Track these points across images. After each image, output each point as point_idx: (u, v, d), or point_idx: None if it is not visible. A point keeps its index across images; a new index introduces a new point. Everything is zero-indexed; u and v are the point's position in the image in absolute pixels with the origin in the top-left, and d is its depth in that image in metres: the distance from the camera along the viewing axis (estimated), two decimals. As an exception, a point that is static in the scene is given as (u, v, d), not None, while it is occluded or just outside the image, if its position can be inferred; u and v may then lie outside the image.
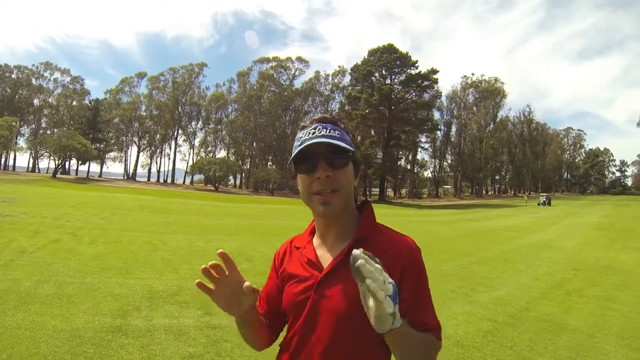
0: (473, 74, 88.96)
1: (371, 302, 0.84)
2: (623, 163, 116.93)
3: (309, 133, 1.14)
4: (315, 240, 1.23)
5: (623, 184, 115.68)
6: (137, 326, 4.37)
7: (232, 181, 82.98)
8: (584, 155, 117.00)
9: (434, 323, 1.09)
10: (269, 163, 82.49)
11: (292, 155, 1.14)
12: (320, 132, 1.12)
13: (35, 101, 79.88)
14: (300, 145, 1.12)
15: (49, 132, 77.13)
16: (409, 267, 1.09)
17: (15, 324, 4.13)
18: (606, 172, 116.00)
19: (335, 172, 1.10)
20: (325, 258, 1.16)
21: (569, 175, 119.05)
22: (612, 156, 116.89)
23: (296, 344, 1.14)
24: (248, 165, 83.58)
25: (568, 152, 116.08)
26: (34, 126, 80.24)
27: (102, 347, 3.78)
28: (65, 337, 3.92)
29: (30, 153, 75.89)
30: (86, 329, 4.17)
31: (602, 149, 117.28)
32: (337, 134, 1.14)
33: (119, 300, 5.21)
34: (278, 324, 1.27)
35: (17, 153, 76.61)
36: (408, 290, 1.06)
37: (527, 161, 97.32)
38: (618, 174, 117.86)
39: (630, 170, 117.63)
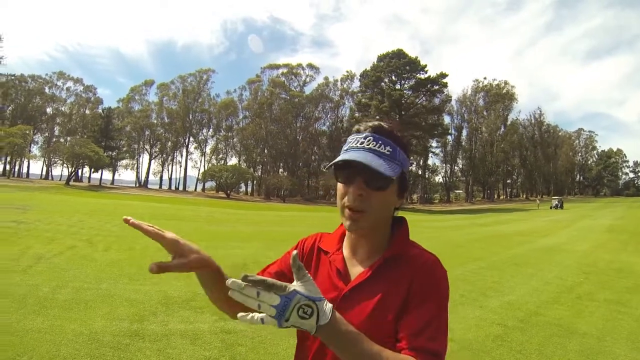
0: (485, 78, 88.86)
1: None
2: (636, 164, 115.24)
3: (358, 141, 1.06)
4: (345, 251, 1.17)
5: (637, 185, 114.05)
6: (153, 331, 4.48)
7: (243, 188, 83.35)
8: (596, 156, 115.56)
9: (422, 345, 0.92)
10: (281, 170, 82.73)
11: (335, 160, 1.05)
12: (368, 144, 1.04)
13: (49, 110, 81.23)
14: (345, 150, 1.07)
15: (62, 140, 78.21)
16: (416, 279, 1.01)
17: (36, 328, 4.25)
18: (619, 174, 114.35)
19: (371, 192, 1.02)
20: (354, 272, 1.10)
21: (581, 178, 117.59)
22: (625, 157, 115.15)
23: (315, 352, 1.08)
24: (259, 172, 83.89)
25: (580, 154, 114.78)
26: (47, 134, 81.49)
27: (121, 350, 3.90)
28: (84, 341, 4.03)
29: (44, 161, 77.09)
30: (104, 333, 4.29)
31: (614, 150, 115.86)
32: (388, 151, 1.04)
33: (136, 305, 5.33)
34: None
35: (30, 161, 77.90)
36: (412, 303, 0.98)
37: (538, 164, 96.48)
38: (632, 175, 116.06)
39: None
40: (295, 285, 0.81)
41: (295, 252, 0.84)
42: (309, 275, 0.84)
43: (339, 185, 1.08)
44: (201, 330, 4.64)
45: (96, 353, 3.79)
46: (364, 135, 1.06)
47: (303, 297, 0.79)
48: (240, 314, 0.81)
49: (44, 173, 79.33)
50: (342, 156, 1.04)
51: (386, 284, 1.04)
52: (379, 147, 1.03)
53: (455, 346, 4.50)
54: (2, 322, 4.35)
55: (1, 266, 6.86)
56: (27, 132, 61.58)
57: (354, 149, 1.05)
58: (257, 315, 0.78)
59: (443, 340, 0.96)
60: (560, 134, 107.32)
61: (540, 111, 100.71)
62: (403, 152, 1.08)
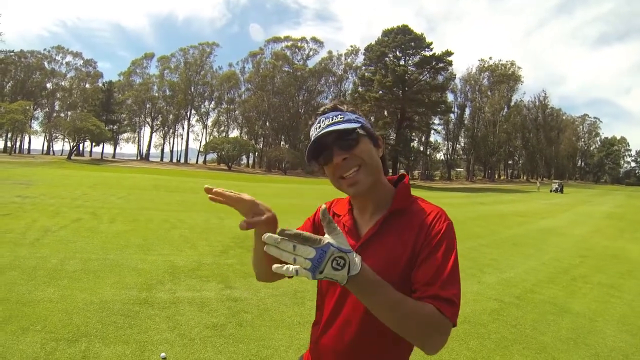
0: (491, 58, 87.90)
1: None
2: (639, 153, 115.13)
3: (316, 128, 1.19)
4: (355, 211, 1.29)
5: (638, 174, 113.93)
6: (162, 298, 4.63)
7: (244, 160, 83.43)
8: (599, 143, 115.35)
9: (437, 293, 1.01)
10: (282, 142, 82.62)
11: (306, 152, 1.20)
12: (324, 124, 1.17)
13: (48, 85, 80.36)
14: (311, 141, 1.19)
15: (62, 115, 77.78)
16: (422, 231, 1.12)
17: (47, 298, 4.36)
18: (621, 162, 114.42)
19: (350, 152, 1.15)
20: (363, 230, 1.23)
21: (583, 163, 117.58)
22: (628, 146, 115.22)
23: (331, 310, 1.22)
24: (261, 144, 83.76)
25: (583, 139, 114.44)
26: (47, 109, 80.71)
27: (131, 317, 4.04)
28: (95, 309, 4.16)
29: (45, 136, 76.80)
30: (114, 301, 4.43)
31: (618, 137, 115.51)
32: (341, 118, 1.17)
33: (143, 275, 5.48)
34: None
35: (31, 136, 77.67)
36: (422, 253, 1.09)
37: (540, 147, 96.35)
38: (633, 164, 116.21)
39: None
40: (328, 238, 0.86)
41: (324, 206, 0.92)
42: (338, 228, 0.88)
43: (326, 169, 1.21)
44: (208, 298, 4.80)
45: (107, 320, 3.92)
46: (317, 121, 1.21)
47: (336, 249, 0.84)
48: (275, 265, 0.83)
49: (45, 148, 79.18)
50: (310, 144, 1.19)
51: (393, 236, 1.15)
52: (332, 120, 1.17)
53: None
54: (15, 293, 4.48)
55: (9, 239, 6.97)
56: (28, 107, 61.33)
57: (315, 135, 1.18)
58: (292, 266, 0.82)
59: (455, 286, 1.05)
60: (564, 118, 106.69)
61: (545, 94, 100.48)
62: (352, 113, 1.22)
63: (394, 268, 1.10)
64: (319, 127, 1.18)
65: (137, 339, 3.61)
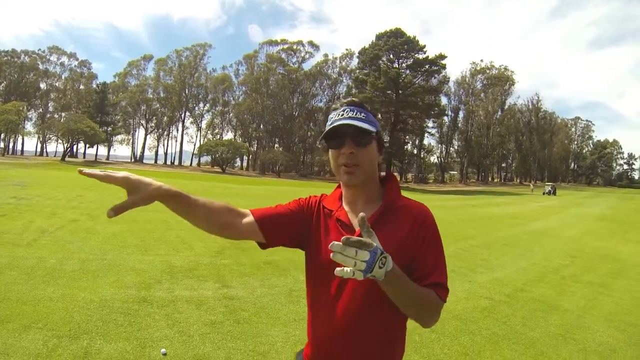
0: (482, 61, 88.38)
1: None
2: (631, 156, 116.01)
3: (339, 114, 1.28)
4: (346, 207, 1.36)
5: (630, 177, 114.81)
6: (160, 297, 4.72)
7: (238, 163, 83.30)
8: (591, 146, 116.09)
9: (436, 280, 1.21)
10: (276, 145, 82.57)
11: (324, 132, 1.28)
12: (348, 114, 1.26)
13: (42, 85, 79.66)
14: (331, 124, 1.27)
15: (56, 116, 77.29)
16: (415, 225, 1.26)
17: (47, 296, 4.42)
18: (613, 165, 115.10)
19: (359, 149, 1.25)
20: (356, 223, 1.26)
21: (575, 166, 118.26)
22: (621, 148, 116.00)
23: (330, 300, 1.28)
24: (255, 147, 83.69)
25: (576, 142, 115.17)
26: (41, 110, 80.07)
27: (131, 315, 4.12)
28: (95, 307, 4.23)
29: (38, 137, 76.16)
30: (114, 300, 4.50)
31: (610, 140, 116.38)
32: (363, 116, 1.27)
33: (141, 274, 5.55)
34: (272, 236, 1.35)
35: (25, 137, 77.02)
36: (420, 249, 1.24)
37: (533, 150, 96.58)
38: (625, 166, 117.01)
39: (638, 164, 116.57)
40: (373, 241, 0.99)
41: (363, 214, 1.03)
42: (374, 233, 1.03)
43: (331, 152, 1.31)
44: (205, 296, 4.89)
45: (107, 318, 3.99)
46: (342, 109, 1.30)
47: (380, 251, 0.99)
48: (337, 269, 0.97)
49: (38, 149, 78.61)
50: (330, 127, 1.27)
51: (386, 229, 1.25)
52: (355, 114, 1.27)
53: (445, 315, 4.75)
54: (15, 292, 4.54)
55: (6, 240, 7.00)
56: (21, 108, 60.70)
57: (338, 120, 1.27)
58: (347, 268, 0.96)
59: (445, 273, 1.26)
60: (557, 121, 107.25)
61: (538, 97, 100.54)
62: (373, 115, 1.34)
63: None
64: (342, 115, 1.28)
65: (137, 335, 3.69)
